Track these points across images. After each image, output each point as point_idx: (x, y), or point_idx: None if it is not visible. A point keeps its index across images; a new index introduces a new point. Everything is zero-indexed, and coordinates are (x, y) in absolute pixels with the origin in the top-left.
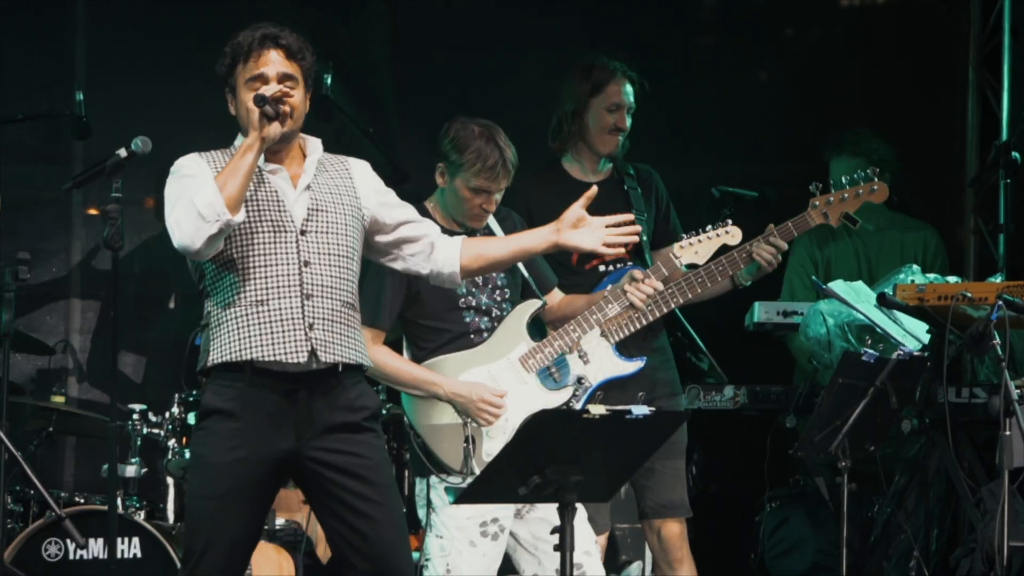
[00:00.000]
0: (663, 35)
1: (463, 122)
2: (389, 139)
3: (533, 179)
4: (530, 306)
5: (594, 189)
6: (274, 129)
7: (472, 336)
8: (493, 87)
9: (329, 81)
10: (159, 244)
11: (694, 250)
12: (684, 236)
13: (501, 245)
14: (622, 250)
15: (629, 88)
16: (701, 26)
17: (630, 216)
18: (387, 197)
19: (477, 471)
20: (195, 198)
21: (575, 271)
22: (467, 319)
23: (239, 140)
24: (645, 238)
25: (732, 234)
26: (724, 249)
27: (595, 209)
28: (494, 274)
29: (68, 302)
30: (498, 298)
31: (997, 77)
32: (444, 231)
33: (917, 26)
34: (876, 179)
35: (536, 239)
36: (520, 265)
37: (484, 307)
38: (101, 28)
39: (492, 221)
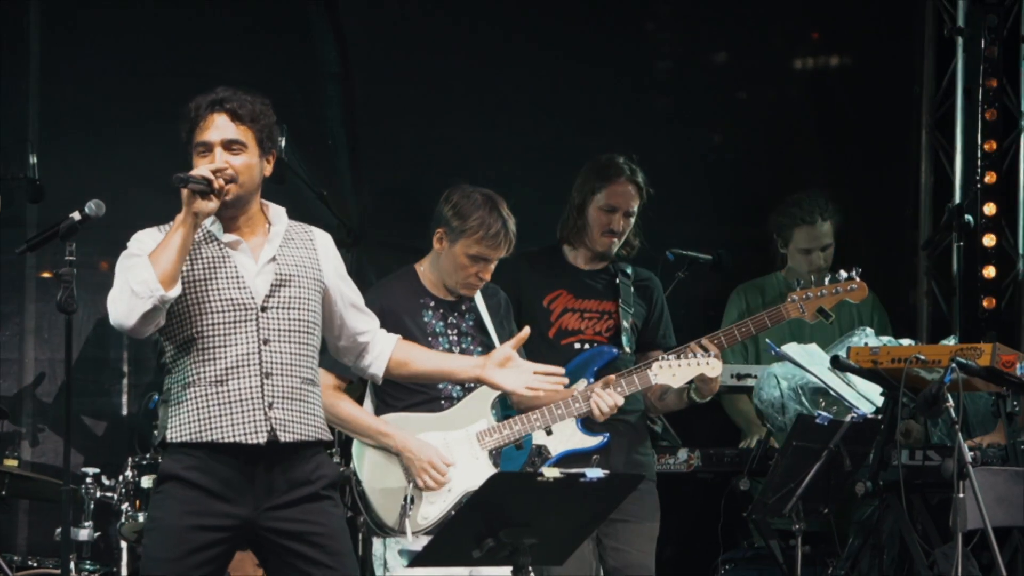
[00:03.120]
0: (618, 97)
1: (465, 190)
2: (343, 202)
3: (527, 259)
4: None
5: (526, 330)
6: (207, 205)
7: (443, 402)
8: (449, 150)
9: (283, 143)
10: None
11: (671, 372)
12: (665, 357)
13: (429, 360)
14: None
15: (632, 192)
16: (655, 88)
17: (560, 370)
18: (344, 279)
19: (409, 533)
20: (129, 275)
21: (551, 344)
22: (441, 384)
23: None
24: (626, 323)
25: (712, 365)
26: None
27: (580, 291)
28: (471, 347)
29: (21, 366)
30: None
31: (950, 140)
32: (431, 296)
33: (870, 89)
34: (856, 278)
35: (462, 366)
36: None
37: None
38: (55, 91)
39: (478, 296)
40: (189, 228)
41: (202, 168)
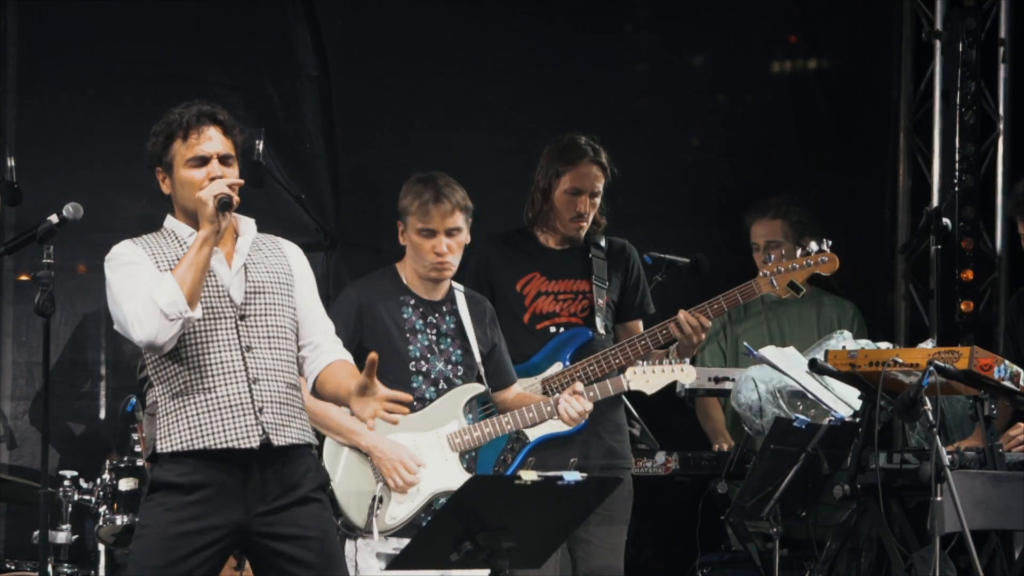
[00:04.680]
0: (595, 100)
1: (412, 177)
2: (321, 205)
3: (497, 243)
4: (472, 389)
5: (374, 355)
6: (225, 223)
7: (416, 402)
8: (427, 153)
9: (261, 147)
10: (91, 310)
11: (645, 379)
12: (640, 363)
13: (335, 384)
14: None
15: (596, 173)
16: (633, 91)
17: (408, 397)
18: (312, 291)
19: (376, 533)
20: (156, 295)
21: (526, 329)
22: (415, 384)
23: (169, 220)
24: (600, 301)
25: (687, 372)
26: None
27: (553, 272)
28: (450, 348)
29: None
30: (450, 373)
31: (928, 143)
32: (412, 294)
33: (848, 92)
34: (827, 250)
35: (346, 392)
36: (477, 357)
37: (434, 376)
38: (33, 93)
39: (461, 301)
40: (212, 246)
41: (220, 184)
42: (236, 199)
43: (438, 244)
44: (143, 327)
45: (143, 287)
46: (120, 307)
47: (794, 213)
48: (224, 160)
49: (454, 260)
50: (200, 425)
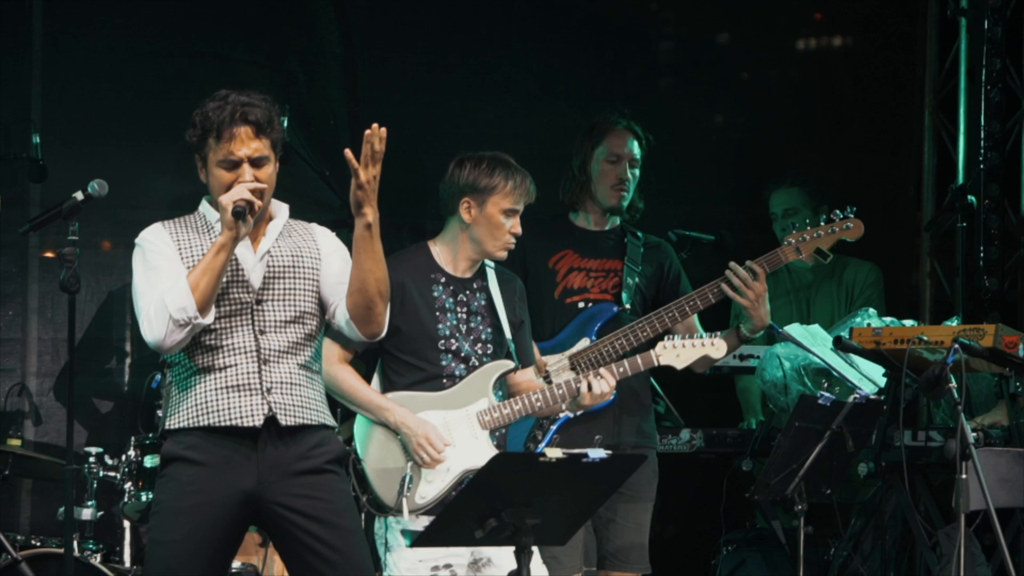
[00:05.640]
0: (619, 79)
1: (471, 156)
2: (346, 182)
3: (532, 226)
4: (501, 366)
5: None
6: (247, 227)
7: (445, 380)
8: (449, 130)
9: (286, 124)
10: (116, 287)
11: (676, 353)
12: (670, 338)
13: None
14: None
15: (631, 140)
16: (657, 70)
17: None
18: (342, 260)
19: (406, 512)
20: (167, 298)
21: (556, 304)
22: (444, 362)
23: (203, 205)
24: (630, 281)
25: (717, 347)
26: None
27: (587, 251)
28: (480, 327)
29: (24, 345)
30: (479, 351)
31: (953, 121)
32: (443, 272)
33: (873, 70)
34: (852, 216)
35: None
36: (508, 334)
37: (464, 355)
38: (57, 70)
39: (492, 279)
40: (229, 252)
41: (241, 190)
42: (258, 203)
43: (516, 225)
44: (152, 329)
45: (161, 284)
46: (136, 301)
47: (811, 181)
48: (256, 163)
49: None
50: (207, 402)
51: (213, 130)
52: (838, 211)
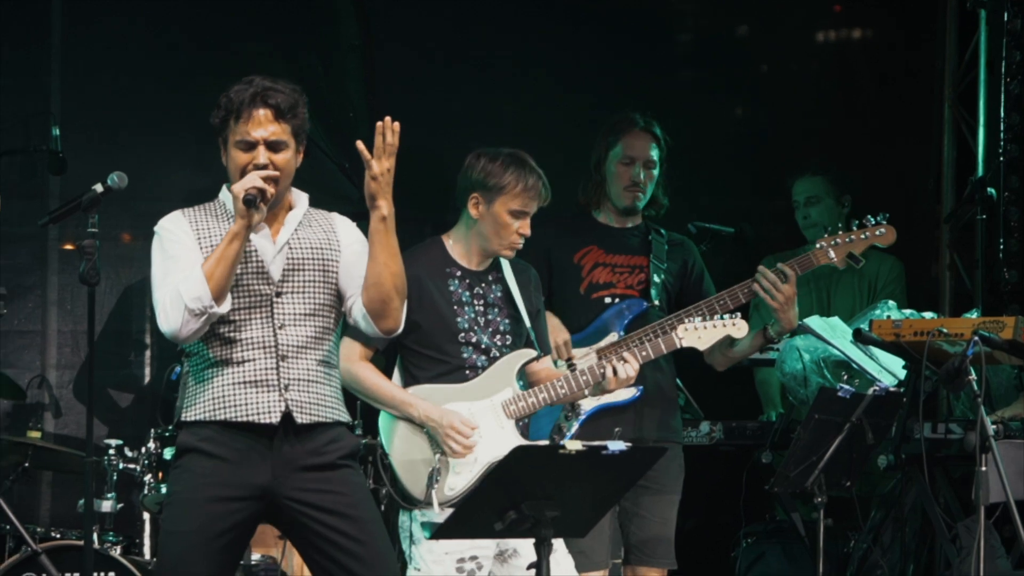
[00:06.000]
0: (638, 71)
1: (488, 152)
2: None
3: (556, 222)
4: (524, 355)
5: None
6: (260, 214)
7: (467, 372)
8: (467, 123)
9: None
10: (135, 279)
11: (697, 335)
12: (691, 319)
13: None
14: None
15: (649, 143)
16: (677, 62)
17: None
18: (360, 252)
19: (436, 504)
20: (183, 288)
21: (582, 300)
22: (464, 354)
23: (223, 192)
24: (657, 278)
25: (739, 327)
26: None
27: (611, 246)
28: (498, 318)
29: (44, 337)
30: (499, 342)
31: (973, 113)
32: (458, 266)
33: (893, 62)
34: (884, 222)
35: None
36: (527, 322)
37: (484, 346)
38: (77, 63)
39: (507, 270)
40: (243, 240)
41: (253, 178)
42: (271, 190)
43: (525, 227)
44: (168, 319)
45: (177, 273)
46: (154, 291)
47: (834, 170)
48: (273, 146)
49: None
50: (224, 396)
51: (234, 111)
52: (871, 217)
